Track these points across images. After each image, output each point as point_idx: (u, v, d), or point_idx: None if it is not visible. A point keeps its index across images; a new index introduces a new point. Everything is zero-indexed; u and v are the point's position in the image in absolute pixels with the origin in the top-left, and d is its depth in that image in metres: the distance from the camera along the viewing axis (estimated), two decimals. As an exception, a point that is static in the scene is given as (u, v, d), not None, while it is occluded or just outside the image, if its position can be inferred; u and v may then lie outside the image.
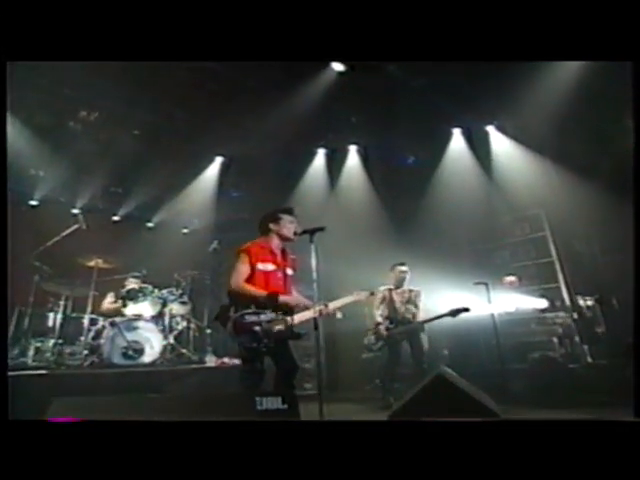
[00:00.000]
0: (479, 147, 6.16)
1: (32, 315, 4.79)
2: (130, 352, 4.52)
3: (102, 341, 4.43)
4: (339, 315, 6.60)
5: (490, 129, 6.24)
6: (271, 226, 3.11)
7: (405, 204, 6.48)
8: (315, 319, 2.80)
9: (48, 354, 4.42)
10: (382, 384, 4.75)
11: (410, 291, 4.92)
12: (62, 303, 4.72)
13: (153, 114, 6.28)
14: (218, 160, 7.28)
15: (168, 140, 6.76)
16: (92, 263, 4.85)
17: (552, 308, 5.74)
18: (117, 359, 4.43)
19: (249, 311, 2.86)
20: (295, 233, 3.06)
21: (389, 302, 4.90)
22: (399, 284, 4.93)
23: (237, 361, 5.87)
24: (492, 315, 4.77)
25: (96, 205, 6.80)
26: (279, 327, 2.91)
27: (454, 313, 4.50)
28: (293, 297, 3.03)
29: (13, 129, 5.15)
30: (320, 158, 7.02)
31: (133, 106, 5.99)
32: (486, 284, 4.82)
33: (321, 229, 2.90)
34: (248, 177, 7.75)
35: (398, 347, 4.74)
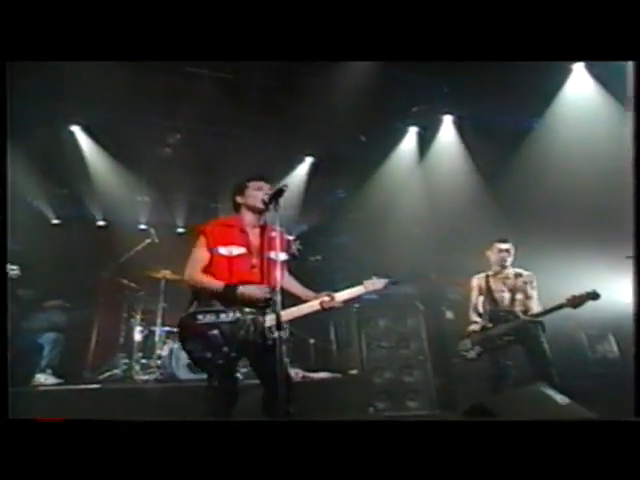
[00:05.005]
0: (612, 83, 4.26)
1: (127, 331, 4.99)
2: (196, 365, 4.26)
3: (164, 354, 4.28)
4: (449, 315, 5.43)
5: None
6: (238, 199, 2.50)
7: (513, 173, 5.04)
8: (278, 318, 1.97)
9: (120, 368, 4.49)
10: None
11: (516, 276, 3.57)
12: (139, 317, 4.80)
13: (236, 126, 6.24)
14: (308, 160, 6.85)
15: (255, 147, 6.64)
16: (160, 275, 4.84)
17: None
18: (182, 373, 4.23)
19: (203, 309, 2.21)
20: (264, 202, 2.30)
21: (487, 292, 3.60)
22: (499, 267, 3.62)
23: (324, 375, 5.24)
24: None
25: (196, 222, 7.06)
26: (247, 330, 2.17)
27: (575, 302, 3.04)
28: (254, 288, 2.23)
29: (105, 162, 5.61)
30: (412, 136, 6.06)
31: (215, 122, 6.03)
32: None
33: (282, 190, 2.21)
34: (347, 175, 7.23)
35: (501, 354, 3.42)
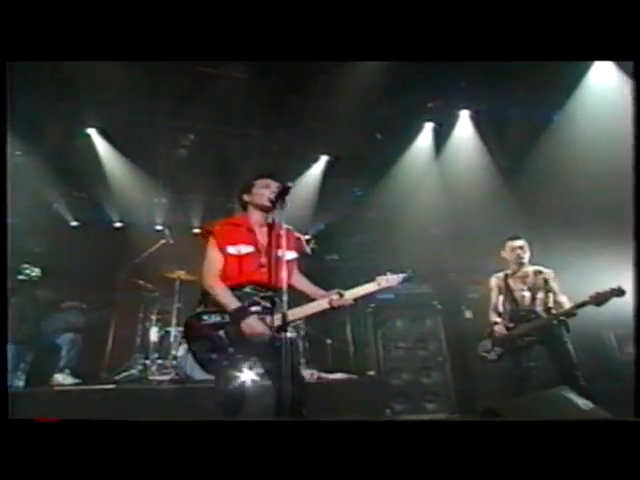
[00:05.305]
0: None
1: (143, 331, 5.04)
2: (210, 366, 4.26)
3: (180, 354, 4.30)
4: (468, 314, 5.32)
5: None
6: (245, 198, 2.49)
7: (532, 168, 4.92)
8: (284, 318, 1.92)
9: (137, 368, 4.53)
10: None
11: (536, 273, 3.46)
12: (155, 317, 4.84)
13: (250, 126, 6.24)
14: (323, 159, 6.79)
15: (270, 146, 6.63)
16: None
17: None
18: (198, 374, 4.20)
19: (209, 309, 2.19)
20: (271, 200, 2.28)
21: (506, 292, 3.49)
22: (517, 265, 3.51)
23: (340, 376, 5.18)
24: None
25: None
26: (254, 330, 2.14)
27: (599, 299, 2.91)
28: (256, 325, 2.18)
29: (121, 165, 5.70)
30: (428, 132, 5.96)
31: (229, 122, 6.04)
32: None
33: (288, 188, 2.16)
34: (363, 173, 7.17)
35: (523, 355, 3.32)
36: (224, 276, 2.25)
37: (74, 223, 6.14)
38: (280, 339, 2.09)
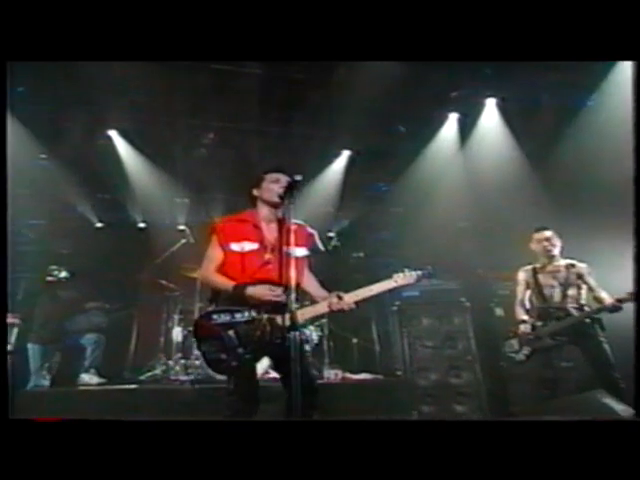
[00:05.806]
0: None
1: (166, 331, 5.10)
2: (231, 366, 4.26)
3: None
4: (499, 312, 5.12)
5: None
6: (254, 192, 2.45)
7: (563, 158, 4.69)
8: (292, 316, 1.86)
9: (160, 368, 4.58)
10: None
11: (568, 267, 3.27)
12: (177, 317, 4.88)
13: (271, 122, 6.21)
14: (345, 154, 6.71)
15: (291, 143, 6.59)
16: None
17: None
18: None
19: (219, 309, 2.16)
20: (280, 196, 2.20)
21: (534, 287, 3.32)
22: (546, 258, 3.32)
23: (365, 376, 5.08)
24: None
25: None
26: (264, 330, 2.09)
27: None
28: (263, 289, 2.13)
29: (143, 166, 5.79)
30: (452, 123, 5.76)
31: (249, 120, 6.04)
32: None
33: (296, 182, 2.11)
34: (388, 168, 7.03)
35: (555, 356, 3.13)
36: (227, 275, 2.21)
37: (98, 224, 6.28)
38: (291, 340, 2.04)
